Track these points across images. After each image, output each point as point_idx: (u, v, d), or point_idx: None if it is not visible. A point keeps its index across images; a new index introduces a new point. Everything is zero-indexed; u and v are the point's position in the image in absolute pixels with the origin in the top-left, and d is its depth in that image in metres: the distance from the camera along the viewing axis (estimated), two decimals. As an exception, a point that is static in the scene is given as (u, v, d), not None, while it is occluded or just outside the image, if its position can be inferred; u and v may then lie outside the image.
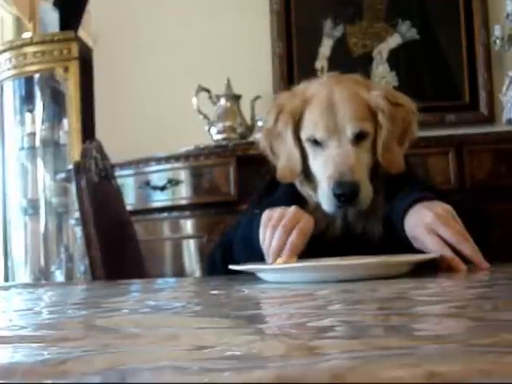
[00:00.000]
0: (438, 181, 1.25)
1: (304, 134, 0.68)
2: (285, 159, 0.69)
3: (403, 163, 0.68)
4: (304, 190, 0.70)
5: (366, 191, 0.64)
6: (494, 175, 1.27)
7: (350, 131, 0.66)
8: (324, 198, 0.65)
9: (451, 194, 1.14)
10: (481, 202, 0.94)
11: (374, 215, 0.67)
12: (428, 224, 0.57)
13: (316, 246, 0.62)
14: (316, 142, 0.67)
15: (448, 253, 0.56)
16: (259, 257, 0.60)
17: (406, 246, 0.59)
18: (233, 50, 1.65)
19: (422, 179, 0.78)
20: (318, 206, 0.68)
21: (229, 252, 0.70)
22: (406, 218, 0.60)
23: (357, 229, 0.69)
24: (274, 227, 0.58)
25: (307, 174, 0.69)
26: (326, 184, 0.64)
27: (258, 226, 0.61)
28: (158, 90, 1.68)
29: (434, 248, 0.56)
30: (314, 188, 0.68)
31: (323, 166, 0.66)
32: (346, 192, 0.63)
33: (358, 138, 0.66)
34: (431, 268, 0.56)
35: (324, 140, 0.66)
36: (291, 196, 0.69)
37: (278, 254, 0.57)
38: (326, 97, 0.67)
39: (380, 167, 0.68)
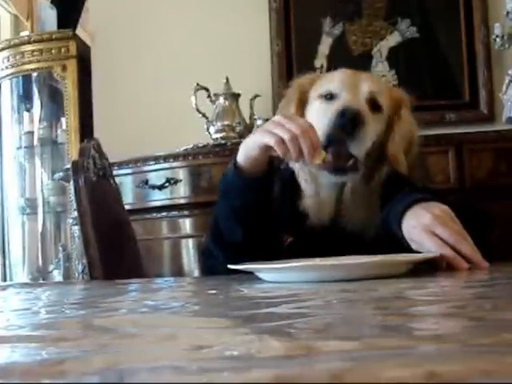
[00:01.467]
0: (437, 180, 1.25)
1: (317, 92, 0.65)
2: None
3: (406, 168, 0.67)
4: (301, 176, 0.69)
5: (367, 135, 0.60)
6: (493, 174, 1.27)
7: (367, 89, 0.63)
8: (322, 134, 0.60)
9: (451, 192, 1.14)
10: (481, 201, 0.94)
11: (368, 211, 0.66)
12: (426, 225, 0.57)
13: (307, 241, 0.62)
14: (329, 98, 0.64)
15: (448, 252, 0.55)
16: (238, 209, 0.61)
17: (405, 249, 0.59)
18: (231, 48, 1.65)
19: (420, 182, 0.78)
20: (313, 195, 0.67)
21: (216, 229, 0.68)
22: (404, 220, 0.60)
23: (349, 221, 0.68)
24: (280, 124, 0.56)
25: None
26: (327, 120, 0.60)
27: (233, 175, 0.62)
28: (156, 88, 1.68)
29: (433, 248, 0.56)
30: (311, 173, 0.67)
31: (329, 113, 0.62)
32: (350, 114, 0.58)
33: (373, 107, 0.64)
34: (430, 268, 0.56)
35: (338, 92, 0.63)
36: (287, 187, 0.68)
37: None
38: (347, 69, 0.66)
39: (379, 164, 0.67)
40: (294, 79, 0.73)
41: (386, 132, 0.66)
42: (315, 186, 0.68)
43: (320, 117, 0.64)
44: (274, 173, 0.65)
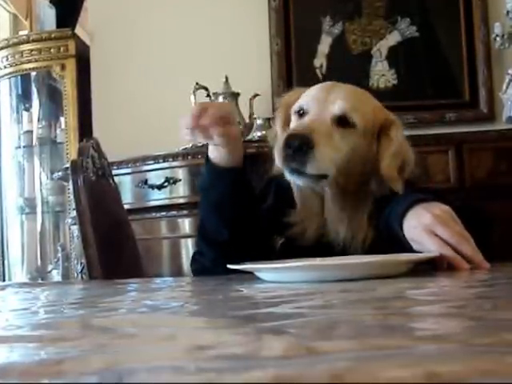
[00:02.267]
0: (437, 179, 1.25)
1: (293, 110, 0.67)
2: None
3: (402, 186, 0.64)
4: (294, 187, 0.69)
5: (322, 154, 0.60)
6: (493, 173, 1.27)
7: (336, 108, 0.63)
8: (276, 151, 0.62)
9: (451, 192, 1.13)
10: (481, 201, 0.94)
11: (355, 226, 0.65)
12: (427, 225, 0.57)
13: (298, 251, 0.61)
14: (300, 115, 0.65)
15: (449, 252, 0.55)
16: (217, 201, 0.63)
17: (406, 250, 0.58)
18: (231, 47, 1.65)
19: (419, 183, 0.76)
20: (300, 207, 0.67)
21: (203, 229, 0.69)
22: (404, 221, 0.59)
23: (334, 238, 0.66)
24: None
25: None
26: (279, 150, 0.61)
27: (205, 168, 0.65)
28: (155, 87, 1.68)
29: (433, 248, 0.56)
30: (297, 186, 0.67)
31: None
32: (295, 143, 0.59)
33: (343, 123, 0.63)
34: (430, 268, 0.56)
35: (308, 109, 0.64)
36: (281, 195, 0.69)
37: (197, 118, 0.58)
38: (328, 83, 0.67)
39: (368, 183, 0.65)
40: (282, 96, 0.73)
41: (377, 152, 0.65)
42: (300, 197, 0.68)
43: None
44: (247, 166, 0.66)
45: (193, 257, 0.76)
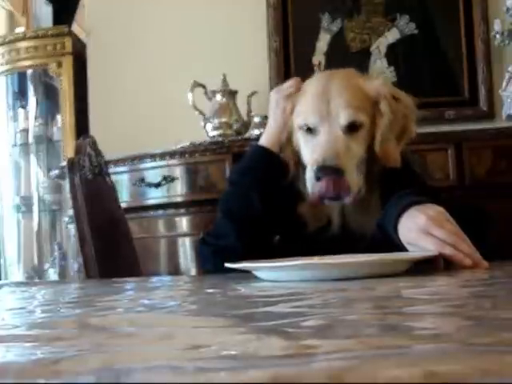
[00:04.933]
0: (437, 177, 1.25)
1: (297, 122, 0.69)
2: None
3: (399, 159, 0.67)
4: (301, 185, 0.70)
5: (352, 180, 0.63)
6: (493, 172, 1.27)
7: (343, 119, 0.65)
8: (309, 183, 0.64)
9: (450, 190, 1.13)
10: (480, 199, 0.94)
11: (369, 212, 0.67)
12: (421, 227, 0.57)
13: (313, 244, 0.62)
14: (308, 130, 0.67)
15: (449, 250, 0.55)
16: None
17: (402, 251, 0.59)
18: (229, 44, 1.64)
19: (419, 178, 0.76)
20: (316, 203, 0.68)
21: (229, 211, 0.71)
22: (399, 224, 0.60)
23: (353, 226, 0.68)
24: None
25: (304, 168, 0.69)
26: (311, 168, 0.64)
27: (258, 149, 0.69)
28: (152, 85, 1.67)
29: (432, 248, 0.56)
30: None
31: (311, 152, 0.66)
32: (327, 175, 0.62)
33: (352, 128, 0.65)
34: (429, 267, 0.56)
35: (316, 126, 0.66)
36: (286, 191, 0.69)
37: None
38: (322, 84, 0.68)
39: (376, 163, 0.67)
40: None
41: (376, 127, 0.67)
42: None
43: (306, 156, 0.68)
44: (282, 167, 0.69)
45: (203, 241, 0.75)
